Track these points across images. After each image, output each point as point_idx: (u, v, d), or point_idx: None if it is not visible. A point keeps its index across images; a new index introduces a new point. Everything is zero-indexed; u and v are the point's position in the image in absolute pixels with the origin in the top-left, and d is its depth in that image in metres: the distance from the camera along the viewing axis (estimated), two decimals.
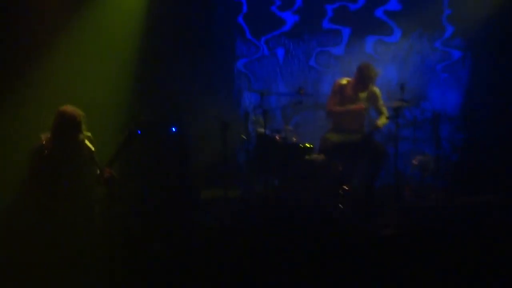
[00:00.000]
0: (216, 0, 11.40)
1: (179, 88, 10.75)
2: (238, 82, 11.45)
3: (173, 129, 9.99)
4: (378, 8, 11.37)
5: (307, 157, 9.98)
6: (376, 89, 10.34)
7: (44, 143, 7.42)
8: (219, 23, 11.42)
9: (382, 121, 10.22)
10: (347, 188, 9.87)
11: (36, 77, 9.36)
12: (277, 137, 10.15)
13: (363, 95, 10.24)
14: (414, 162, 10.85)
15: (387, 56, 11.42)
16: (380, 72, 10.41)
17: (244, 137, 10.40)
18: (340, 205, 9.65)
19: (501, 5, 10.99)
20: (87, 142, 7.48)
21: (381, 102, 10.34)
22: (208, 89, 11.08)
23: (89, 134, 7.53)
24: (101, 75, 10.05)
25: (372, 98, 10.29)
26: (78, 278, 7.24)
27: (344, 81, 10.31)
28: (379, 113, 10.33)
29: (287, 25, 11.45)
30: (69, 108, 7.42)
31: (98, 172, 7.33)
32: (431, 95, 11.41)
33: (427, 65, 11.43)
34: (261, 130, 10.15)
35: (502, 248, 8.14)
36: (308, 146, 10.08)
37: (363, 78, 10.11)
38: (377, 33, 11.43)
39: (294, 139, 10.25)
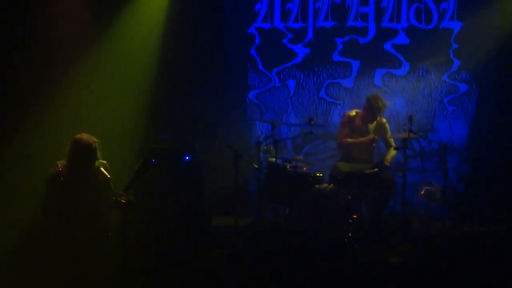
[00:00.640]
0: (229, 32, 11.38)
1: (193, 118, 10.72)
2: (250, 112, 11.43)
3: (187, 157, 9.93)
4: (387, 42, 11.34)
5: (317, 186, 9.94)
6: (385, 121, 10.32)
7: (60, 170, 7.39)
8: (232, 54, 11.42)
9: (390, 155, 10.22)
10: (356, 217, 9.82)
11: (54, 105, 9.36)
12: (287, 167, 10.13)
13: (372, 126, 10.22)
14: (422, 192, 10.79)
15: (395, 89, 11.39)
16: (389, 104, 10.40)
17: (255, 166, 10.35)
18: (349, 234, 9.59)
19: (505, 40, 10.96)
20: (102, 169, 7.44)
21: (389, 134, 10.32)
22: (221, 119, 11.05)
23: (104, 162, 7.50)
24: (118, 103, 10.10)
25: (381, 129, 10.27)
26: None
27: (353, 112, 10.31)
28: (387, 145, 10.33)
29: (298, 57, 11.43)
30: (84, 136, 7.40)
31: (114, 198, 7.27)
32: (438, 127, 11.36)
33: (435, 98, 11.38)
34: (272, 159, 10.12)
35: (507, 276, 8.13)
36: (318, 175, 10.03)
37: (372, 109, 10.08)
38: (386, 66, 11.39)
39: (304, 168, 10.21)
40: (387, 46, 11.36)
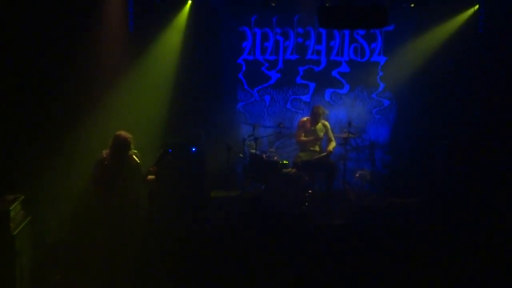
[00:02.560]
0: (224, 62, 11.32)
1: (199, 121, 10.70)
2: (238, 118, 11.37)
3: (193, 149, 9.91)
4: (334, 70, 11.33)
5: (284, 170, 9.93)
6: (326, 123, 10.45)
7: (104, 156, 7.38)
8: (227, 78, 11.37)
9: (331, 146, 10.30)
10: (310, 192, 9.82)
11: (101, 109, 9.34)
12: (263, 156, 10.10)
13: (319, 127, 10.26)
14: (357, 174, 10.83)
15: (339, 103, 11.37)
16: (327, 112, 10.52)
17: (241, 155, 10.38)
18: (306, 203, 9.60)
19: (416, 70, 10.99)
20: (134, 156, 7.44)
21: (330, 132, 10.42)
22: (219, 122, 11.04)
23: (135, 151, 7.50)
24: (146, 109, 10.07)
25: (324, 129, 10.35)
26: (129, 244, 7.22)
27: (304, 119, 10.43)
28: (329, 140, 10.38)
29: (272, 80, 11.39)
30: (122, 132, 7.43)
31: (143, 175, 7.29)
32: (369, 130, 11.36)
33: (367, 109, 11.37)
34: (253, 151, 10.12)
35: (414, 232, 8.34)
36: (285, 162, 10.04)
37: (314, 115, 10.22)
38: (333, 87, 11.38)
39: (275, 157, 10.20)
40: (334, 73, 11.34)
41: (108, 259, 7.28)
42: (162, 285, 7.29)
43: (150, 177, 7.34)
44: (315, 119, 10.24)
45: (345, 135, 10.20)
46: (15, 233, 6.64)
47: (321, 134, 10.33)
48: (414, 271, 7.49)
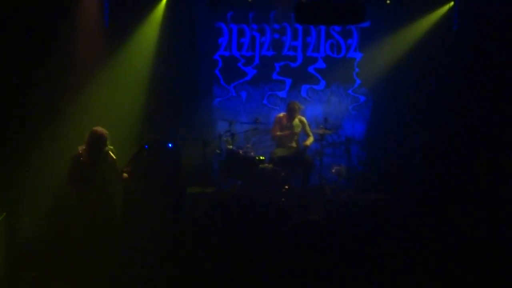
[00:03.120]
0: (201, 58, 11.32)
1: (175, 117, 10.68)
2: (215, 114, 11.38)
3: (170, 145, 9.90)
4: (310, 66, 11.39)
5: (260, 166, 9.94)
6: (303, 118, 10.52)
7: (80, 152, 7.34)
8: (203, 74, 11.37)
9: (309, 141, 10.35)
10: (287, 187, 9.86)
11: (78, 105, 9.25)
12: (240, 152, 10.12)
13: (295, 122, 10.30)
14: (333, 170, 10.87)
15: (316, 99, 11.44)
16: (303, 107, 10.58)
17: (218, 151, 10.38)
18: (283, 199, 9.64)
19: (392, 66, 11.07)
20: (110, 152, 7.41)
21: (307, 127, 10.47)
22: (195, 118, 11.04)
23: (111, 147, 7.48)
24: (122, 105, 10.00)
25: (302, 124, 10.39)
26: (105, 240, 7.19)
27: (281, 115, 10.48)
28: (307, 135, 10.41)
29: (248, 76, 11.42)
30: (98, 128, 7.39)
31: (119, 171, 7.26)
32: (345, 126, 11.44)
33: (343, 106, 11.45)
34: (230, 147, 10.13)
35: (386, 224, 8.52)
36: (261, 158, 10.05)
37: (290, 111, 10.27)
38: (309, 83, 11.43)
39: (252, 153, 10.20)
40: (310, 69, 11.40)
41: (84, 255, 7.25)
42: (139, 281, 7.28)
43: (124, 175, 7.31)
44: (291, 114, 10.28)
45: (321, 131, 10.24)
46: None
47: (298, 130, 10.37)
48: (389, 266, 7.56)
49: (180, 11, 10.90)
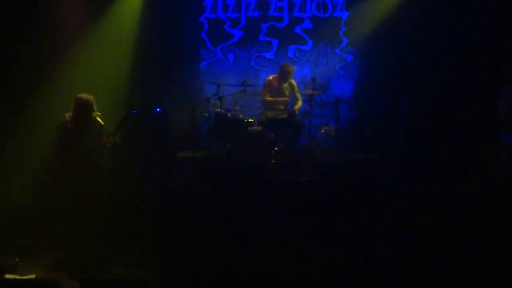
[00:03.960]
0: (185, 21, 11.22)
1: (162, 82, 10.62)
2: (202, 77, 11.32)
3: (158, 109, 9.87)
4: (297, 26, 11.31)
5: (249, 128, 9.94)
6: (294, 82, 10.42)
7: (67, 119, 7.28)
8: (189, 37, 11.29)
9: (298, 105, 10.29)
10: (276, 149, 9.88)
11: (63, 72, 9.17)
12: (229, 115, 10.10)
13: (285, 85, 10.25)
14: (322, 131, 10.89)
15: (303, 59, 11.38)
16: (295, 69, 10.53)
17: (206, 114, 10.35)
18: (272, 161, 9.66)
19: (379, 24, 10.98)
20: (98, 118, 7.35)
21: (296, 90, 10.40)
22: (182, 82, 10.97)
23: (99, 113, 7.40)
24: (108, 70, 9.91)
25: (291, 87, 10.32)
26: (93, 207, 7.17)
27: (270, 77, 10.39)
28: (296, 99, 10.35)
29: (235, 38, 11.33)
30: (84, 95, 7.30)
31: (106, 139, 7.20)
32: (333, 86, 11.41)
33: (330, 66, 11.39)
34: (218, 110, 10.10)
35: (371, 183, 8.65)
36: (250, 120, 10.04)
37: (283, 73, 10.17)
38: (296, 43, 11.36)
39: (241, 116, 10.19)
40: (297, 29, 11.32)
41: (72, 222, 7.24)
42: (127, 248, 7.30)
43: (107, 145, 7.24)
44: (284, 77, 10.18)
45: (309, 91, 10.20)
46: None
47: (287, 93, 10.32)
48: (378, 227, 7.62)
49: None
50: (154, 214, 7.94)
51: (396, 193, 8.37)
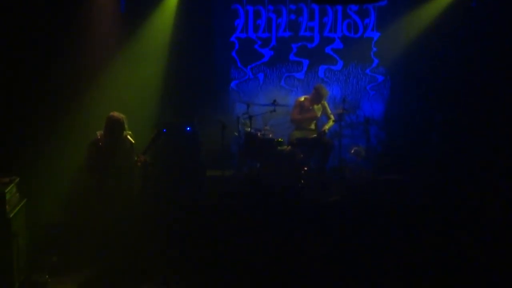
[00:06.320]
0: (217, 41, 11.31)
1: (193, 101, 10.72)
2: (232, 96, 11.38)
3: (188, 128, 9.92)
4: (327, 47, 11.31)
5: (279, 148, 9.93)
6: (325, 102, 10.42)
7: (99, 137, 7.36)
8: (220, 56, 11.37)
9: (328, 125, 10.31)
10: (306, 169, 9.85)
11: (95, 90, 9.28)
12: (258, 134, 10.11)
13: (317, 106, 10.25)
14: (352, 151, 10.84)
15: (333, 79, 11.37)
16: (329, 92, 10.51)
17: (236, 134, 10.39)
18: (302, 181, 9.63)
19: (410, 45, 10.96)
20: (128, 137, 7.42)
21: (329, 111, 10.39)
22: (212, 101, 11.08)
23: (130, 132, 7.48)
24: (139, 89, 10.02)
25: (323, 108, 10.31)
26: (122, 228, 7.22)
27: (302, 98, 10.45)
28: (328, 118, 10.36)
29: (265, 57, 11.37)
30: (115, 113, 7.41)
31: (137, 157, 7.25)
32: (363, 106, 11.37)
33: (361, 86, 11.37)
34: (248, 129, 10.13)
35: (403, 203, 8.51)
36: (280, 140, 10.03)
37: (318, 95, 10.20)
38: (326, 63, 11.36)
39: (270, 135, 10.20)
40: (328, 49, 11.32)
41: (103, 240, 7.29)
42: (156, 266, 7.32)
43: (138, 164, 7.29)
44: (318, 99, 10.23)
45: (339, 111, 10.21)
46: (11, 215, 6.63)
47: (319, 114, 10.33)
48: (408, 248, 7.53)
49: None
50: (183, 232, 7.94)
51: (426, 215, 8.28)
